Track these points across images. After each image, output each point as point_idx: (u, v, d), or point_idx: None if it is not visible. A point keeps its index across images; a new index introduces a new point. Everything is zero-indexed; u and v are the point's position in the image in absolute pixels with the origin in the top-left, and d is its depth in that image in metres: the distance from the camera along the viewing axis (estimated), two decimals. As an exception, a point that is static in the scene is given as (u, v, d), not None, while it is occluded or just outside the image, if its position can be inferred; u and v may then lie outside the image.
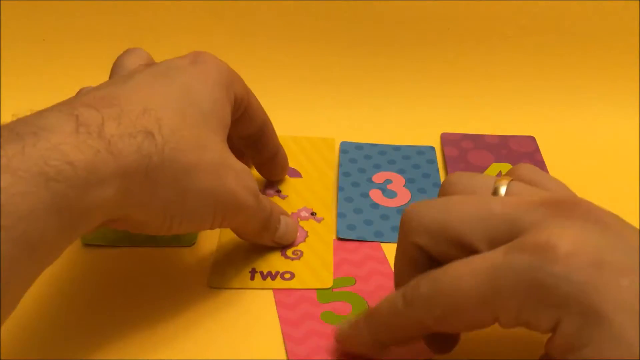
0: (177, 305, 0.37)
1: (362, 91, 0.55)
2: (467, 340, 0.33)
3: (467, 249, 0.29)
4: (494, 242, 0.28)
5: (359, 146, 0.50)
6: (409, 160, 0.49)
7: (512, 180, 0.31)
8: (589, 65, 0.55)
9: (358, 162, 0.49)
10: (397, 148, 0.50)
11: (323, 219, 0.43)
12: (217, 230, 0.42)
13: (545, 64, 0.56)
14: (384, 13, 0.54)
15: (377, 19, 0.54)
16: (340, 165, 0.48)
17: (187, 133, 0.32)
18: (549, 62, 0.56)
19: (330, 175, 0.48)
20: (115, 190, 0.29)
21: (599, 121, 0.54)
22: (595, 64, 0.55)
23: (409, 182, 0.47)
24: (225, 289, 0.38)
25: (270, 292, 0.38)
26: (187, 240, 0.41)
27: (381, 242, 0.42)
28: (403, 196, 0.46)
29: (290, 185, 0.46)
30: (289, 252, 0.41)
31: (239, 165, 0.35)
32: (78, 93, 0.34)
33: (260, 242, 0.40)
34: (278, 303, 0.37)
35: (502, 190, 0.30)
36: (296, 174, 0.47)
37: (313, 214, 0.44)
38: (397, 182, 0.47)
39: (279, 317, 0.37)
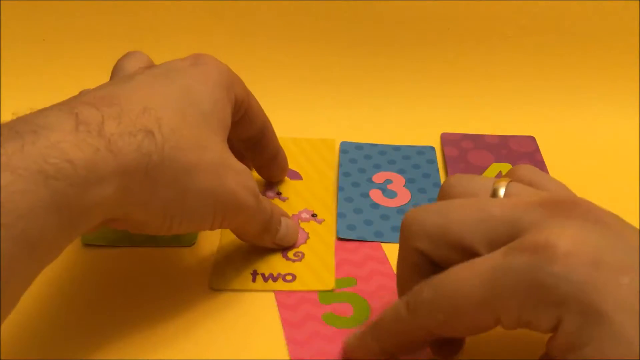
0: (177, 306, 0.37)
1: (362, 91, 0.55)
2: (468, 341, 0.33)
3: (468, 253, 0.29)
4: (494, 244, 0.28)
5: (359, 146, 0.50)
6: (409, 160, 0.49)
7: (511, 181, 0.31)
8: (589, 65, 0.55)
9: (358, 162, 0.49)
10: (397, 148, 0.50)
11: (324, 220, 0.43)
12: (217, 231, 0.42)
13: (545, 64, 0.56)
14: (384, 13, 0.54)
15: (377, 19, 0.54)
16: (340, 165, 0.48)
17: (187, 132, 0.32)
18: (549, 62, 0.56)
19: (331, 176, 0.48)
20: (115, 189, 0.29)
21: (599, 121, 0.54)
22: (595, 64, 0.55)
23: (409, 182, 0.47)
24: (227, 290, 0.38)
25: (272, 293, 0.38)
26: (187, 241, 0.41)
27: (381, 242, 0.42)
28: (403, 196, 0.46)
29: (290, 187, 0.46)
30: (290, 254, 0.40)
31: (239, 165, 0.35)
32: (79, 94, 0.34)
33: (261, 244, 0.40)
34: (279, 304, 0.37)
35: (501, 191, 0.30)
36: (296, 175, 0.47)
37: (314, 215, 0.44)
38: (397, 182, 0.47)
39: (281, 318, 0.36)
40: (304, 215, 0.44)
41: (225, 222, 0.35)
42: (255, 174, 0.45)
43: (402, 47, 0.55)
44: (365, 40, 0.55)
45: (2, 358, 0.33)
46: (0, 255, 0.25)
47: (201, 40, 0.54)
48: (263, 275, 0.39)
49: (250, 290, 0.38)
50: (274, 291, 0.38)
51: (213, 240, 0.41)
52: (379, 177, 0.47)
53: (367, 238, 0.42)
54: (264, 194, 0.45)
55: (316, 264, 0.40)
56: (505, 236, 0.28)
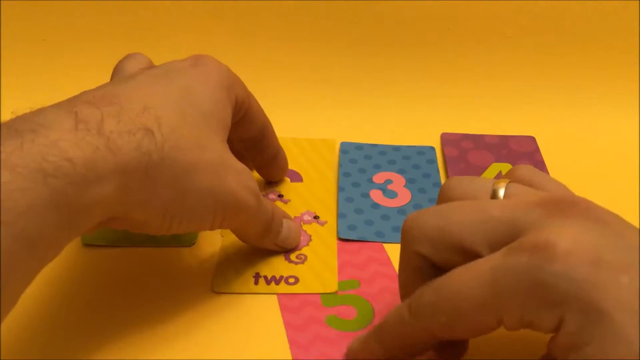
0: (178, 307, 0.37)
1: (362, 91, 0.55)
2: (469, 341, 0.33)
3: (469, 255, 0.29)
4: (495, 246, 0.28)
5: (359, 146, 0.50)
6: (409, 160, 0.49)
7: (510, 182, 0.31)
8: (589, 65, 0.55)
9: (358, 163, 0.49)
10: (397, 148, 0.50)
11: (326, 222, 0.43)
12: (217, 231, 0.42)
13: (545, 64, 0.56)
14: (384, 13, 0.54)
15: (377, 19, 0.54)
16: (340, 165, 0.48)
17: (187, 132, 0.32)
18: (549, 62, 0.56)
19: (332, 177, 0.47)
20: (114, 187, 0.29)
21: (599, 121, 0.54)
22: (595, 64, 0.55)
23: (410, 182, 0.47)
24: (229, 293, 0.38)
25: (274, 296, 0.38)
26: (187, 240, 0.41)
27: (382, 242, 0.42)
28: (404, 196, 0.46)
29: (292, 189, 0.46)
30: (293, 256, 0.40)
31: (239, 165, 0.35)
32: (79, 94, 0.34)
33: (263, 246, 0.40)
34: (282, 307, 0.37)
35: (501, 192, 0.30)
36: (297, 177, 0.47)
37: (316, 217, 0.44)
38: (398, 182, 0.47)
39: (284, 321, 0.36)
40: (306, 217, 0.43)
41: (226, 222, 0.35)
42: (255, 174, 0.45)
43: (402, 47, 0.55)
44: (365, 40, 0.55)
45: (2, 358, 0.33)
46: (0, 252, 0.25)
47: (201, 40, 0.54)
48: (265, 277, 0.39)
49: (253, 294, 0.38)
50: (276, 294, 0.38)
51: (213, 241, 0.41)
52: (379, 178, 0.47)
53: (368, 238, 0.42)
54: (265, 196, 0.45)
55: (319, 266, 0.40)
56: (506, 237, 0.28)
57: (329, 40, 0.55)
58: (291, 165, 0.47)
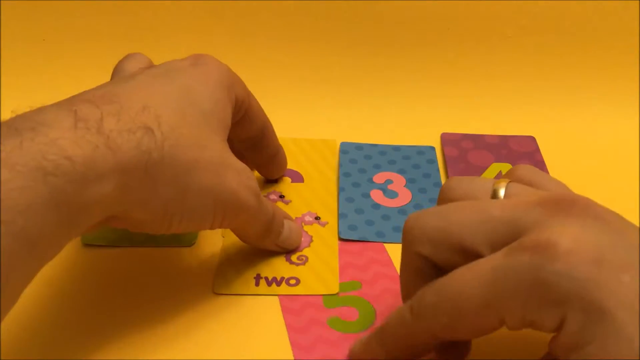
0: (178, 307, 0.37)
1: (362, 91, 0.55)
2: (472, 342, 0.33)
3: (470, 255, 0.29)
4: (496, 246, 0.28)
5: (359, 146, 0.50)
6: (409, 160, 0.49)
7: (510, 181, 0.31)
8: (589, 65, 0.55)
9: (358, 163, 0.49)
10: (397, 148, 0.50)
11: (327, 223, 0.43)
12: (219, 231, 0.42)
13: (545, 64, 0.56)
14: (384, 13, 0.54)
15: (377, 19, 0.54)
16: (340, 165, 0.48)
17: (186, 131, 0.32)
18: (549, 62, 0.56)
19: (333, 178, 0.47)
20: (114, 186, 0.29)
21: (599, 121, 0.54)
22: (595, 64, 0.55)
23: (410, 182, 0.47)
24: (230, 294, 0.38)
25: (275, 297, 0.38)
26: (187, 240, 0.41)
27: (383, 242, 0.42)
28: (404, 196, 0.46)
29: (293, 190, 0.46)
30: (294, 258, 0.40)
31: (239, 165, 0.35)
32: (79, 94, 0.34)
33: (264, 247, 0.39)
34: (284, 309, 0.37)
35: (501, 192, 0.30)
36: (298, 177, 0.47)
37: (317, 218, 0.43)
38: (398, 182, 0.47)
39: (286, 323, 0.36)
40: (308, 218, 0.43)
41: (226, 221, 0.35)
42: (255, 173, 0.45)
43: (402, 47, 0.55)
44: (365, 40, 0.55)
45: (2, 358, 0.33)
46: (0, 251, 0.25)
47: (201, 40, 0.54)
48: (266, 279, 0.39)
49: (254, 295, 0.38)
50: (277, 295, 0.38)
51: (213, 241, 0.41)
52: (379, 178, 0.47)
53: (368, 238, 0.42)
54: (266, 196, 0.45)
55: (320, 267, 0.40)
56: (507, 237, 0.28)
57: (329, 40, 0.55)
58: (292, 166, 0.47)
